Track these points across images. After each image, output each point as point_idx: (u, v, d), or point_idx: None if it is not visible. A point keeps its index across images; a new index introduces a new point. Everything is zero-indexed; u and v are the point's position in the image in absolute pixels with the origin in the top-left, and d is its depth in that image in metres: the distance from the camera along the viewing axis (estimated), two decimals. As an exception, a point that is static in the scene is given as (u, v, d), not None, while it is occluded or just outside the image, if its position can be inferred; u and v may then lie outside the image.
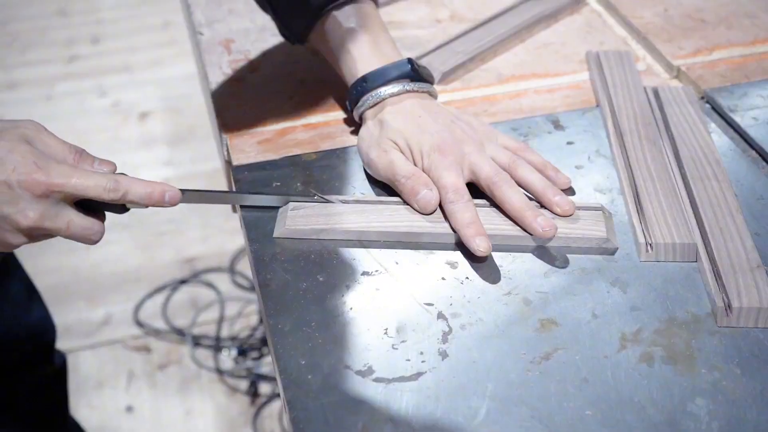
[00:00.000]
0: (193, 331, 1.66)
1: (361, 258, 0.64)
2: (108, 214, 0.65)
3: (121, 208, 0.65)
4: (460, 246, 0.65)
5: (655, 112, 0.78)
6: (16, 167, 0.60)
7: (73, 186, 0.61)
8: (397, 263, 0.64)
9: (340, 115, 0.81)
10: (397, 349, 0.57)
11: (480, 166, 0.68)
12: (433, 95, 0.75)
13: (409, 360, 0.57)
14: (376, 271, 0.63)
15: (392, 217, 0.67)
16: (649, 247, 0.63)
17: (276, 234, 0.66)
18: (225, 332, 1.66)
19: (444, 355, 0.57)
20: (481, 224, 0.64)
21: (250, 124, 0.79)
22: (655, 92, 0.81)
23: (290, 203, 0.68)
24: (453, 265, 0.64)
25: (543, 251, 0.64)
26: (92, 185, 0.62)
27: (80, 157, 0.64)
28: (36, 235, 0.63)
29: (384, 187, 0.71)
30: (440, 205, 0.67)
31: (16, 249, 0.64)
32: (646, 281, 0.62)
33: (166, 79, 2.36)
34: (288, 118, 0.80)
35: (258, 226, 0.67)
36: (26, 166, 0.60)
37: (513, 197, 0.66)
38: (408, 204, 0.68)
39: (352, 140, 0.77)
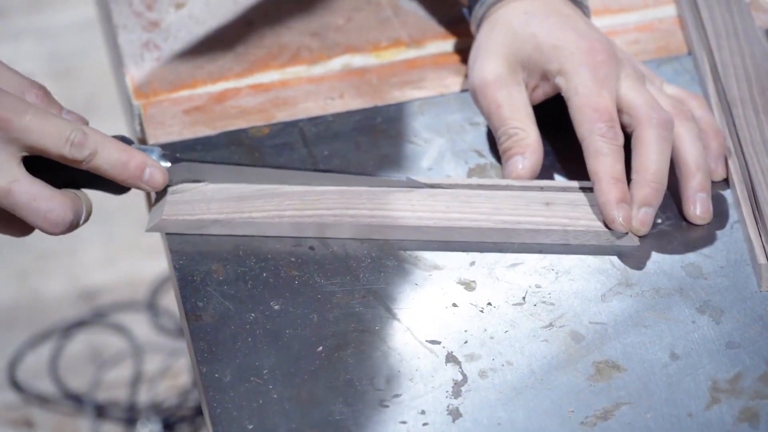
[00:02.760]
0: (97, 397, 1.66)
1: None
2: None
3: (117, 187, 0.66)
4: (484, 245, 0.66)
5: None
6: None
7: (25, 127, 0.61)
8: (387, 285, 0.65)
9: (304, 71, 0.81)
10: (387, 406, 0.58)
11: (636, 94, 0.69)
12: (586, 13, 0.77)
13: (405, 422, 0.57)
14: (358, 294, 0.64)
15: (350, 202, 0.67)
16: None
17: (148, 227, 0.68)
18: (143, 398, 1.66)
19: (455, 414, 0.58)
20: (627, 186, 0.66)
21: (173, 86, 0.80)
22: (768, 35, 0.80)
23: (170, 186, 0.69)
24: (468, 285, 0.65)
25: (609, 264, 0.65)
26: (51, 132, 0.62)
27: (45, 97, 0.65)
28: None
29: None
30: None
31: None
32: (749, 306, 0.63)
33: (53, 28, 2.37)
34: (228, 77, 0.81)
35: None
36: None
37: (692, 146, 0.68)
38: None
39: (322, 107, 0.78)
